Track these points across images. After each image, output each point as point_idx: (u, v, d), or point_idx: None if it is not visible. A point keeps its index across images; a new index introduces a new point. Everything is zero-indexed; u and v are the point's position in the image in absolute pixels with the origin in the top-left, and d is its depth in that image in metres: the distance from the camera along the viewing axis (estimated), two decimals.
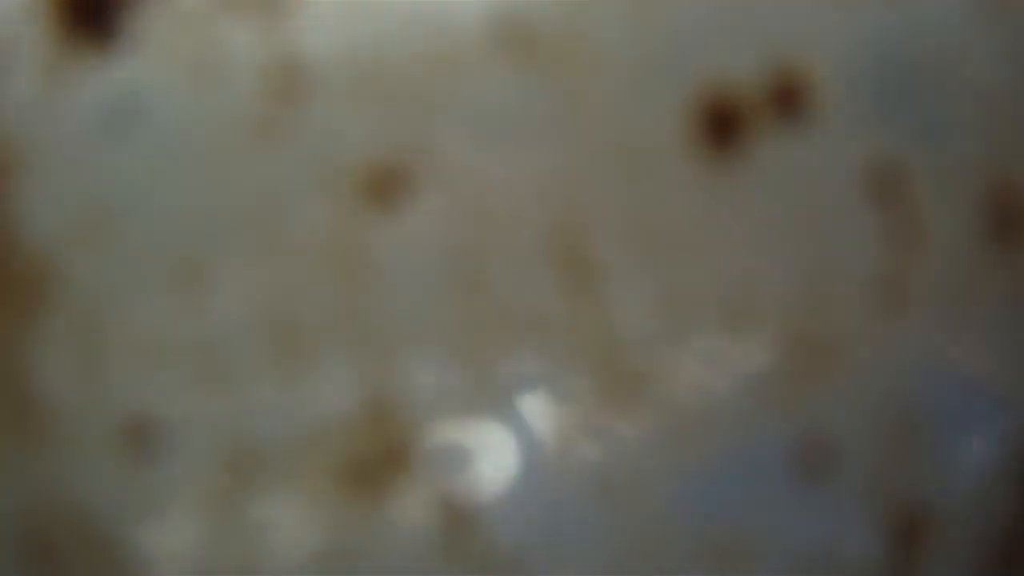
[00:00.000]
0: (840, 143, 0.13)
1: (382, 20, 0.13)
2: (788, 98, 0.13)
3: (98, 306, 0.13)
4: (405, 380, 0.13)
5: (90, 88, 0.13)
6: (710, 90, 0.13)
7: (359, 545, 0.13)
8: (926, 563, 0.14)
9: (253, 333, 0.12)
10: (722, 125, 0.13)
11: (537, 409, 0.13)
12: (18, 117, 0.13)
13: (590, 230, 0.13)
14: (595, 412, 0.13)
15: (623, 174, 0.13)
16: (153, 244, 0.13)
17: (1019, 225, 0.14)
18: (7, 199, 0.13)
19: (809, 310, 0.13)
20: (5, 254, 0.13)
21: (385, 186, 0.12)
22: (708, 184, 0.13)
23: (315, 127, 0.12)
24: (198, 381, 0.13)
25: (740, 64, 0.13)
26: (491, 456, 0.13)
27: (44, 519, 0.13)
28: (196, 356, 0.13)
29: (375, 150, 0.12)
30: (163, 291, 0.13)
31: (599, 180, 0.13)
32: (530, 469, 0.13)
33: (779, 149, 0.13)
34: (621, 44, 0.13)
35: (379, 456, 0.13)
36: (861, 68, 0.13)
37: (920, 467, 0.14)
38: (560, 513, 0.13)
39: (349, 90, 0.13)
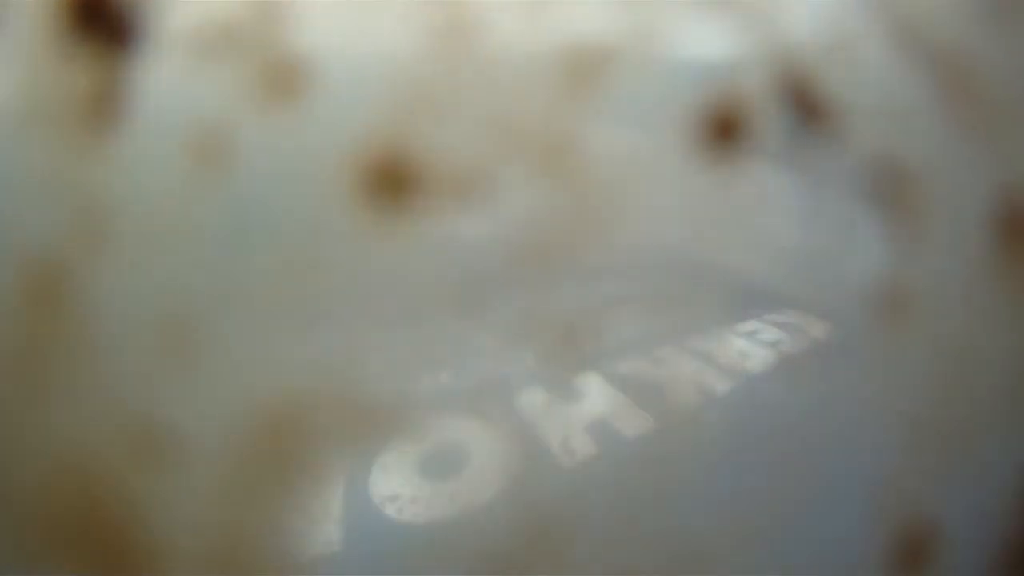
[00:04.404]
0: (846, 147, 0.13)
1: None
2: (797, 102, 0.13)
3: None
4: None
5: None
6: (715, 96, 0.13)
7: None
8: None
9: None
10: (724, 130, 0.13)
11: (536, 408, 0.13)
12: None
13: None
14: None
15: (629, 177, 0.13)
16: (153, 244, 0.13)
17: None
18: None
19: (810, 309, 0.13)
20: None
21: (389, 184, 0.12)
22: (712, 185, 0.13)
23: (316, 122, 0.13)
24: None
25: (746, 71, 0.13)
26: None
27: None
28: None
29: (378, 146, 0.12)
30: (161, 288, 0.13)
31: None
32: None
33: (785, 152, 0.13)
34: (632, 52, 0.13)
35: None
36: (869, 73, 0.13)
37: (927, 483, 0.14)
38: None
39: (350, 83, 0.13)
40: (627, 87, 0.13)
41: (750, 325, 0.13)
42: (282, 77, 0.13)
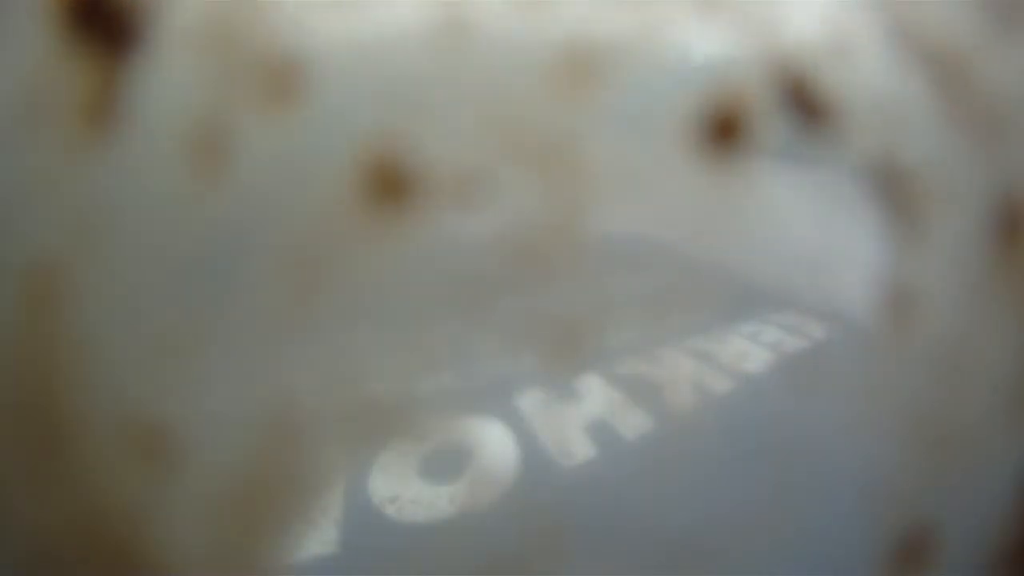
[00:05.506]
0: (846, 147, 0.13)
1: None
2: (797, 103, 0.13)
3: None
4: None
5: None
6: (715, 96, 0.13)
7: None
8: None
9: None
10: (724, 131, 0.13)
11: (536, 408, 0.13)
12: None
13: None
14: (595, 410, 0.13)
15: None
16: (152, 246, 0.13)
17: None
18: None
19: (810, 310, 0.13)
20: None
21: (388, 185, 0.12)
22: (712, 185, 0.13)
23: (314, 123, 0.13)
24: None
25: (746, 72, 0.13)
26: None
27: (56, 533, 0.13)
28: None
29: (376, 147, 0.12)
30: (161, 290, 0.13)
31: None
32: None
33: (785, 153, 0.13)
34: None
35: None
36: (869, 74, 0.13)
37: (927, 483, 0.14)
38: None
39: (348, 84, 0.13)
40: (626, 87, 0.13)
41: (750, 326, 0.13)
42: (280, 79, 0.12)
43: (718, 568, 0.13)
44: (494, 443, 0.13)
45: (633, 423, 0.13)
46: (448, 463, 0.13)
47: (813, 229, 0.13)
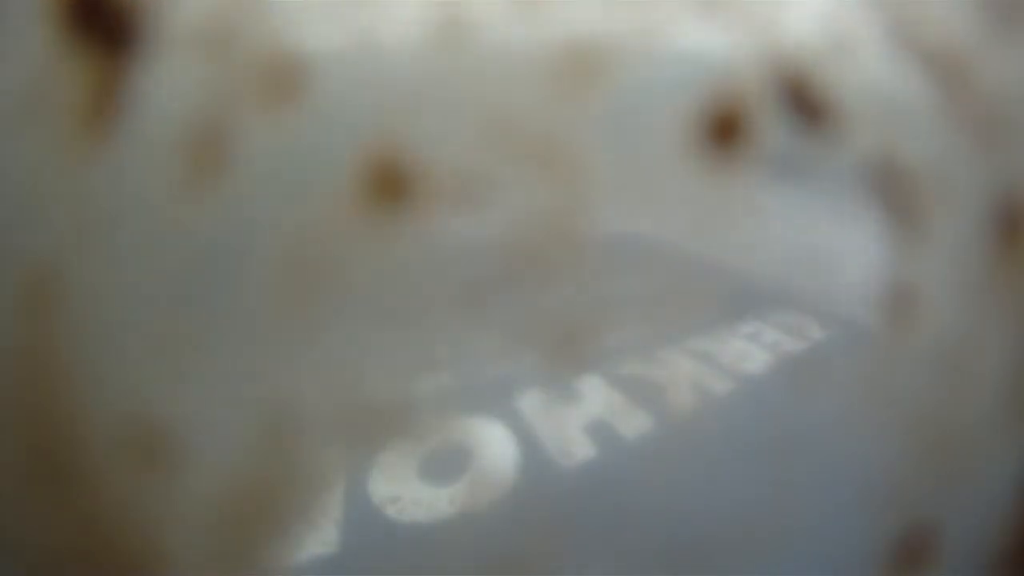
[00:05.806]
0: (846, 147, 0.13)
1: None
2: (797, 103, 0.13)
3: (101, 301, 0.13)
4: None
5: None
6: (714, 97, 0.13)
7: None
8: None
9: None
10: (724, 131, 0.13)
11: (536, 409, 0.13)
12: None
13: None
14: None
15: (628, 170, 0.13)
16: (151, 246, 0.13)
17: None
18: None
19: (810, 310, 0.13)
20: None
21: (388, 185, 0.12)
22: (712, 185, 0.13)
23: (314, 124, 0.13)
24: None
25: (746, 72, 0.13)
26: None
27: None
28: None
29: (376, 148, 0.12)
30: (161, 290, 0.13)
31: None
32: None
33: (785, 153, 0.13)
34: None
35: None
36: (869, 74, 0.13)
37: (928, 483, 0.14)
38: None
39: (347, 84, 0.13)
40: (626, 87, 0.13)
41: (750, 326, 0.13)
42: (280, 79, 0.13)
43: (718, 568, 0.13)
44: (494, 443, 0.13)
45: (633, 423, 0.13)
46: (448, 463, 0.13)
47: (813, 229, 0.13)
